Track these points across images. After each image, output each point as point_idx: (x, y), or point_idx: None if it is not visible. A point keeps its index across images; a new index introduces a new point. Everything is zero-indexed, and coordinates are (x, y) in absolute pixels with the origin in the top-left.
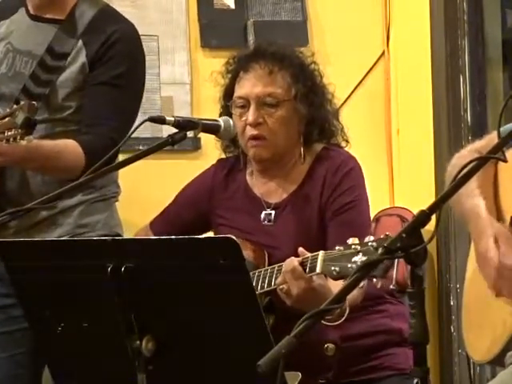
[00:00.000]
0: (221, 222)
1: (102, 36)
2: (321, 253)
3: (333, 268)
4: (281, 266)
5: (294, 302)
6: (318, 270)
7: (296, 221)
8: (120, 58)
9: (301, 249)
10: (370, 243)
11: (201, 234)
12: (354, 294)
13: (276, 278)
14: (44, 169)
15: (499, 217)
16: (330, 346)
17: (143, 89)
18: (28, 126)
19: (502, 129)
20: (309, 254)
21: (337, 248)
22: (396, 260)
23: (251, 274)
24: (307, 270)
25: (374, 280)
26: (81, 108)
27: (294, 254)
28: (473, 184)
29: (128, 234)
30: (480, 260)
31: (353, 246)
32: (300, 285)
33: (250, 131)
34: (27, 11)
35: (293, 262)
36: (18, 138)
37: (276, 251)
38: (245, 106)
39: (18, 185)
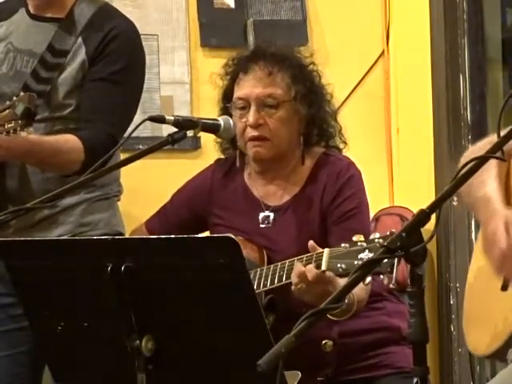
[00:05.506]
0: (218, 221)
1: (101, 33)
2: (326, 250)
3: (339, 265)
4: (284, 263)
5: (314, 299)
6: (323, 267)
7: (297, 224)
8: (118, 54)
9: (311, 242)
10: (376, 240)
11: (196, 234)
12: (361, 291)
13: (280, 276)
14: (45, 164)
15: None
16: (328, 342)
17: (142, 85)
18: (28, 117)
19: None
20: (315, 249)
21: (342, 245)
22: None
23: (252, 272)
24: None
25: (381, 277)
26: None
27: (293, 256)
28: (489, 173)
29: (128, 234)
30: (487, 242)
31: (359, 243)
32: (320, 287)
33: (251, 132)
34: (27, 11)
35: (309, 269)
36: (18, 129)
37: (275, 254)
38: (245, 108)
39: (19, 183)
